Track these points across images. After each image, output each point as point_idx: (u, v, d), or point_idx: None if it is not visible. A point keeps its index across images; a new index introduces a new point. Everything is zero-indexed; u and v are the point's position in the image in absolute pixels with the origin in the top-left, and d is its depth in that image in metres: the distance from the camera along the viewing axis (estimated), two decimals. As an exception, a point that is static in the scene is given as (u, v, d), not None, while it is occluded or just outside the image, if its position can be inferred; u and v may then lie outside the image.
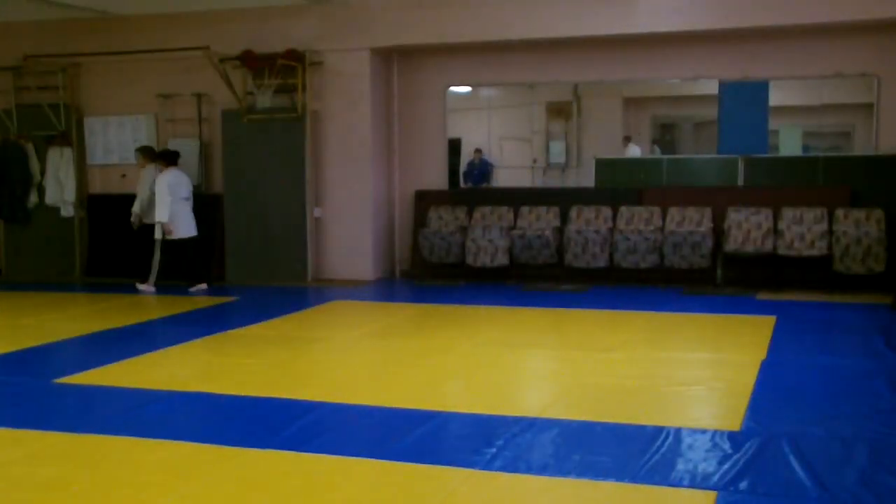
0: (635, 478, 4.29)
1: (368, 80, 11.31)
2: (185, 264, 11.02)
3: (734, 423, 5.15)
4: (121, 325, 8.72)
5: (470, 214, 11.40)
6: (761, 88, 10.67)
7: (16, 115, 12.27)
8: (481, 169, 12.54)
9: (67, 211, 12.14)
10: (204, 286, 11.02)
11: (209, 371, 6.73)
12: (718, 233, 10.39)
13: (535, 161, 12.50)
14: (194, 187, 11.91)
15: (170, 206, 10.67)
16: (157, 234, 10.89)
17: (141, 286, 10.97)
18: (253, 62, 11.25)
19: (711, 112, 11.00)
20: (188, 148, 11.85)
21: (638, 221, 10.74)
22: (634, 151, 12.11)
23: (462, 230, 11.11)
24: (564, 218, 11.02)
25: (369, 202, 11.42)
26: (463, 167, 12.48)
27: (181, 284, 11.00)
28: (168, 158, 11.03)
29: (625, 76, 11.30)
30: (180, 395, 6.00)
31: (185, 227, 10.93)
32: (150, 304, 9.96)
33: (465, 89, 12.07)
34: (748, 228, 10.29)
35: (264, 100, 11.38)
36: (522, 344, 7.77)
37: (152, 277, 11.01)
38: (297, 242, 11.40)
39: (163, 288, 11.12)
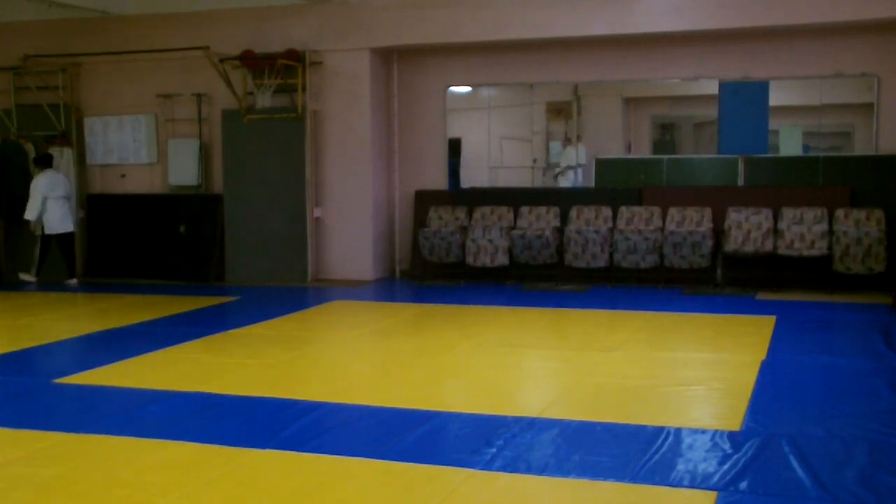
0: (635, 478, 4.29)
1: (368, 80, 11.31)
2: (64, 258, 11.63)
3: (734, 423, 5.15)
4: (121, 325, 8.72)
5: (470, 214, 11.40)
6: (761, 88, 10.66)
7: (16, 115, 12.28)
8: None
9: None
10: (74, 281, 11.52)
11: (209, 371, 6.73)
12: (718, 233, 10.39)
13: (535, 161, 12.48)
14: (194, 187, 11.94)
15: (40, 206, 11.35)
16: (37, 231, 11.59)
17: (23, 275, 11.64)
18: (253, 62, 11.25)
19: (711, 112, 10.99)
20: (188, 148, 11.86)
21: (638, 221, 10.74)
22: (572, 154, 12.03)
23: (462, 230, 11.11)
24: (564, 218, 11.02)
25: (369, 202, 11.42)
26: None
27: (179, 284, 10.97)
28: (41, 162, 11.60)
29: (625, 76, 11.30)
30: (180, 395, 5.99)
31: (58, 223, 11.47)
32: (150, 304, 9.94)
33: (465, 89, 12.06)
34: (748, 228, 10.29)
35: (264, 100, 11.38)
36: (522, 344, 7.77)
37: (34, 268, 11.64)
38: (297, 242, 11.40)
39: (163, 288, 11.13)
